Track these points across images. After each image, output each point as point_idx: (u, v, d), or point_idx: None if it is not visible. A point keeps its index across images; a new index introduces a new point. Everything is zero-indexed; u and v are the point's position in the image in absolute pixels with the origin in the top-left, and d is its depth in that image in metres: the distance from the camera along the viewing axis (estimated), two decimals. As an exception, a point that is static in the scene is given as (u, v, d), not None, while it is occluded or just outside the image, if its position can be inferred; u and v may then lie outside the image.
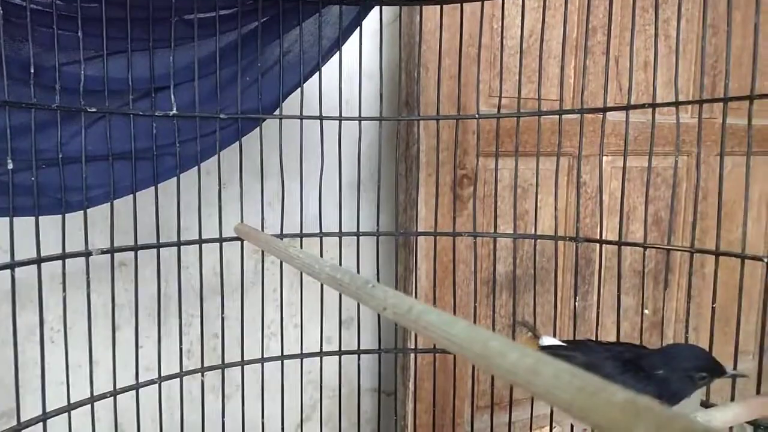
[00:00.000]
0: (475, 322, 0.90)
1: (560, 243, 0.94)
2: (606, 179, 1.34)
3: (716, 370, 0.61)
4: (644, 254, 0.85)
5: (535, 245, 0.95)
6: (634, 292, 1.39)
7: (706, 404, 0.72)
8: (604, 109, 0.86)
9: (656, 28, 0.81)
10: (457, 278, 1.06)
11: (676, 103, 0.77)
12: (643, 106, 0.83)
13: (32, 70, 0.69)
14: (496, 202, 0.97)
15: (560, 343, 0.63)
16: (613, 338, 0.82)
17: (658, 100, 0.80)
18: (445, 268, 1.11)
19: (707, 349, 0.74)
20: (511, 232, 0.95)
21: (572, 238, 0.91)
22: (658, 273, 1.45)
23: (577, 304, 0.94)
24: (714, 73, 1.48)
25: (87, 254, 0.76)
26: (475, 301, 0.99)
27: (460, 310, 1.10)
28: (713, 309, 0.73)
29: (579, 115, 0.89)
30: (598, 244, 0.92)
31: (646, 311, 1.36)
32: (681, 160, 1.48)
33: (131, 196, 0.80)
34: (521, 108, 0.92)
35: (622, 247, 0.85)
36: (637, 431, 0.23)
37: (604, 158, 0.91)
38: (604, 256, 0.94)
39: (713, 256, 0.75)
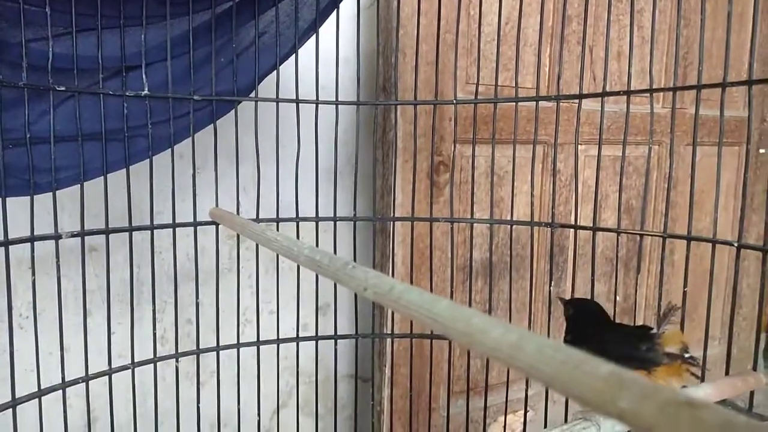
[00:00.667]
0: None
1: (535, 230, 0.95)
2: (579, 168, 1.36)
3: None
4: (617, 240, 0.86)
5: (511, 231, 0.96)
6: (606, 279, 1.42)
7: (676, 385, 0.74)
8: (580, 96, 0.87)
9: (632, 17, 0.82)
10: (434, 264, 1.06)
11: (651, 90, 0.78)
12: (618, 93, 0.84)
13: (-3, 47, 0.67)
14: (472, 188, 0.97)
15: None
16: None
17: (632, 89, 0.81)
18: (422, 254, 1.11)
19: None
20: (488, 218, 0.96)
21: (548, 224, 0.92)
22: (629, 260, 1.48)
23: (551, 290, 0.95)
24: (685, 64, 1.51)
25: (56, 237, 0.74)
26: (452, 287, 1.00)
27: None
28: (684, 293, 0.74)
29: (555, 102, 0.89)
30: (571, 232, 0.93)
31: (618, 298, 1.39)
32: (651, 150, 1.51)
33: (102, 178, 0.78)
34: (498, 95, 0.93)
35: (596, 233, 0.86)
36: (621, 402, 0.23)
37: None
38: (578, 243, 0.95)
39: (682, 245, 0.77)
